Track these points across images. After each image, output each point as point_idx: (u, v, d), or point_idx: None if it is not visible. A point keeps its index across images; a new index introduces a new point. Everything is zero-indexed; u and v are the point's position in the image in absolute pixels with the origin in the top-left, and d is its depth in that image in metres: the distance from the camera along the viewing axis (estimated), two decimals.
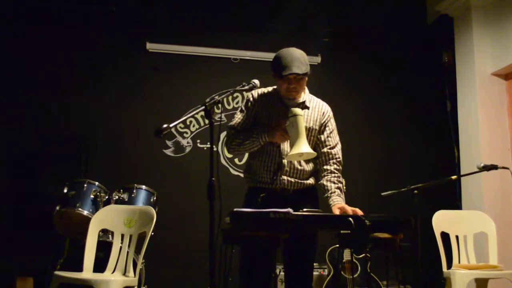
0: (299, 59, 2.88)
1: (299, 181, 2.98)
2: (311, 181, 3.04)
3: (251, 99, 3.08)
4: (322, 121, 3.08)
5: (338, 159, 3.07)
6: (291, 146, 2.80)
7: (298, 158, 2.90)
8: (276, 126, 2.93)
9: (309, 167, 3.03)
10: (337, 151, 3.09)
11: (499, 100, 5.04)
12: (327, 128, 3.09)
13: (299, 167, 2.98)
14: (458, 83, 5.32)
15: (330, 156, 3.05)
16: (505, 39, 4.88)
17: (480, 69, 5.04)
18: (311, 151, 2.81)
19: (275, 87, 3.07)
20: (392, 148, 5.63)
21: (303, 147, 2.77)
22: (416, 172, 5.31)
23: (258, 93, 3.09)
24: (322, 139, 3.07)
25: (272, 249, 2.81)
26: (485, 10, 5.09)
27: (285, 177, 2.95)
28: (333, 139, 3.09)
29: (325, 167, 3.03)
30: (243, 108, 3.08)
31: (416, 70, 5.77)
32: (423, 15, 5.94)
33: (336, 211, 2.83)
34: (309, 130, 3.01)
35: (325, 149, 3.05)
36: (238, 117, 3.07)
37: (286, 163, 2.96)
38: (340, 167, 3.07)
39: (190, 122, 5.32)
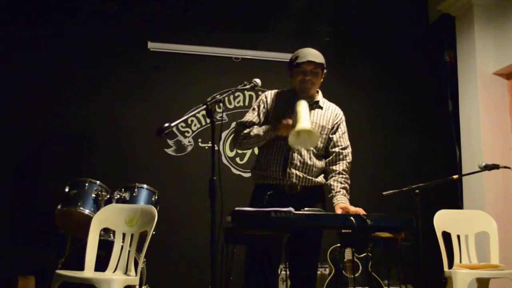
0: (316, 53, 3.03)
1: (308, 177, 2.98)
2: (320, 179, 3.04)
3: (265, 99, 3.13)
4: (335, 122, 3.13)
5: (348, 161, 3.09)
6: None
7: (301, 144, 2.86)
8: (282, 119, 2.95)
9: (320, 163, 3.04)
10: (348, 152, 3.12)
11: (500, 100, 5.04)
12: (339, 129, 3.13)
13: (309, 162, 2.99)
14: (460, 83, 5.31)
15: (341, 156, 3.07)
16: (507, 39, 4.87)
17: (481, 69, 5.03)
18: (308, 126, 2.78)
19: (289, 89, 3.14)
20: (394, 147, 5.63)
21: (301, 124, 2.76)
22: (417, 171, 5.30)
23: (272, 94, 3.16)
24: (334, 139, 3.10)
25: (274, 248, 2.82)
26: (487, 9, 5.08)
27: (294, 171, 2.96)
28: (344, 140, 3.13)
29: (333, 167, 3.05)
30: (255, 107, 3.14)
31: (417, 70, 5.77)
32: (424, 14, 5.93)
33: (339, 211, 2.84)
34: (321, 128, 3.06)
35: (336, 149, 3.08)
36: (249, 115, 3.11)
37: (296, 157, 2.97)
38: (348, 169, 3.08)
39: (192, 121, 5.33)
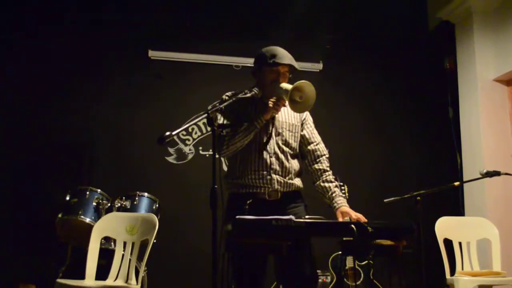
0: (289, 55, 2.92)
1: (288, 181, 2.88)
2: (298, 182, 2.94)
3: (227, 98, 2.89)
4: (302, 118, 3.04)
5: (326, 156, 3.03)
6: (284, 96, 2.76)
7: (301, 107, 2.77)
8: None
9: (296, 164, 2.95)
10: (323, 147, 3.05)
11: (501, 106, 5.05)
12: (308, 125, 3.05)
13: (287, 164, 2.88)
14: (460, 89, 5.32)
15: (318, 153, 3.01)
16: (506, 45, 4.88)
17: (481, 75, 5.04)
18: (302, 81, 2.70)
19: (247, 93, 2.87)
20: (395, 155, 5.63)
21: (289, 86, 2.71)
22: (418, 178, 5.30)
23: (232, 101, 2.82)
24: (307, 135, 3.02)
25: (275, 256, 2.80)
26: (486, 16, 5.10)
27: (274, 176, 2.84)
28: (316, 135, 3.06)
29: (316, 166, 2.98)
30: (223, 109, 2.82)
31: (418, 77, 5.78)
32: (424, 22, 5.96)
33: (339, 215, 2.82)
34: (293, 126, 2.97)
35: (311, 146, 3.01)
36: (222, 118, 2.94)
37: (274, 161, 2.86)
38: (329, 164, 3.02)
39: (192, 129, 5.33)
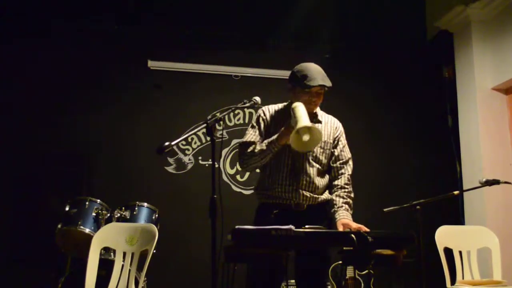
0: (323, 73, 2.94)
1: (314, 195, 2.94)
2: (325, 196, 3.01)
3: (263, 115, 3.07)
4: (335, 136, 3.10)
5: (349, 173, 3.07)
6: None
7: (305, 146, 2.71)
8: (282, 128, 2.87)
9: (324, 180, 3.02)
10: (349, 165, 3.09)
11: (500, 115, 5.05)
12: (340, 143, 3.10)
13: (315, 180, 2.95)
14: (459, 98, 5.33)
15: (342, 170, 3.05)
16: (505, 54, 4.90)
17: (480, 84, 5.05)
18: (308, 123, 2.64)
19: (285, 103, 3.08)
20: (394, 164, 5.62)
21: (300, 123, 2.63)
22: (418, 187, 5.29)
23: (269, 110, 3.09)
24: (336, 153, 3.07)
25: (275, 266, 2.80)
26: (485, 25, 5.12)
27: (301, 191, 2.91)
28: (346, 153, 3.10)
29: (336, 182, 3.03)
30: (255, 124, 3.06)
31: (417, 86, 5.79)
32: (423, 31, 5.98)
33: (340, 227, 2.82)
34: (324, 143, 3.02)
35: (337, 164, 3.05)
36: (250, 133, 3.03)
37: (302, 176, 2.92)
38: (351, 182, 3.06)
39: (192, 139, 5.33)
